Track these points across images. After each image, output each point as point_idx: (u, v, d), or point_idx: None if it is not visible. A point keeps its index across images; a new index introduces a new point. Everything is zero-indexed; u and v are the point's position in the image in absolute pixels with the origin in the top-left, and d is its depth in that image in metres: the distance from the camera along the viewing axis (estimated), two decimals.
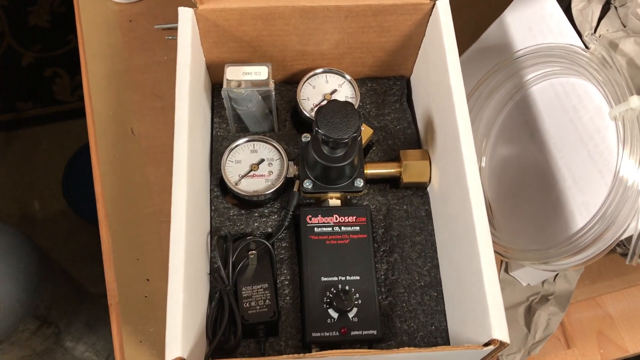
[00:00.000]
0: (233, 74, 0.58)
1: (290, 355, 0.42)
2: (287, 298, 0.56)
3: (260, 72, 0.58)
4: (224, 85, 0.58)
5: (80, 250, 1.60)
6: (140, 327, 0.59)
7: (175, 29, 0.75)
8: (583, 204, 0.56)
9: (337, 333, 0.53)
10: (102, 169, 0.67)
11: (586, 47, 0.57)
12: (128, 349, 0.59)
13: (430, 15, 0.59)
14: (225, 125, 0.63)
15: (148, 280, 0.62)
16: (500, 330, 0.44)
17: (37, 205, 1.67)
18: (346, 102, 0.52)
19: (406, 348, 0.43)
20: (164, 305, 0.59)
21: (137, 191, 0.66)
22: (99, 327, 1.38)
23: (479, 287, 0.46)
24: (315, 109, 0.57)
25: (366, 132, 0.61)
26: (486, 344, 0.44)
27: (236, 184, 0.58)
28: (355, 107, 0.60)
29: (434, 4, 0.58)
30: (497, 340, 0.43)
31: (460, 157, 0.50)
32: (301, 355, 0.43)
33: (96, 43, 0.75)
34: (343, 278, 0.54)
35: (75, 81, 1.87)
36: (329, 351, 0.43)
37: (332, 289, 0.54)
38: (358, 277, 0.55)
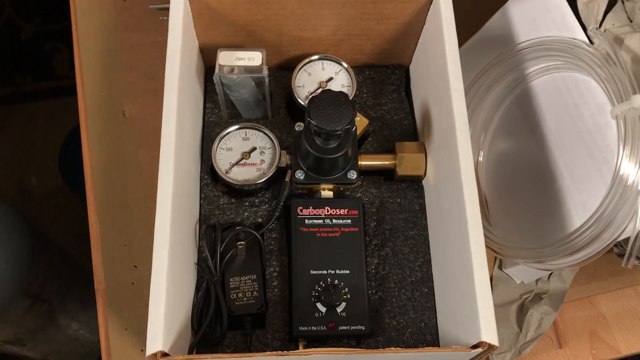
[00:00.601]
0: (226, 58, 0.57)
1: (275, 352, 0.42)
2: (276, 290, 0.55)
3: (254, 58, 0.57)
4: (216, 70, 0.56)
5: (75, 227, 1.59)
6: (126, 314, 0.59)
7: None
8: (580, 203, 0.55)
9: (324, 327, 0.52)
10: (92, 151, 0.66)
11: (590, 41, 0.55)
12: (113, 336, 0.58)
13: (431, 3, 0.57)
14: (218, 111, 0.62)
15: (136, 266, 0.61)
16: (489, 333, 0.43)
17: (34, 181, 1.66)
18: (340, 93, 0.51)
19: (392, 348, 0.42)
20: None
21: (127, 175, 0.65)
22: (93, 305, 1.38)
23: (469, 287, 0.45)
24: (309, 97, 0.55)
25: (362, 122, 0.60)
26: (474, 346, 0.43)
27: (227, 172, 0.57)
28: (351, 97, 0.59)
29: None
30: (486, 343, 0.43)
31: (456, 153, 0.49)
32: (285, 352, 0.42)
33: (90, 22, 0.73)
34: (332, 272, 0.53)
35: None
36: (313, 349, 0.42)
37: (321, 283, 0.53)
38: (348, 272, 0.54)
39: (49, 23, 1.85)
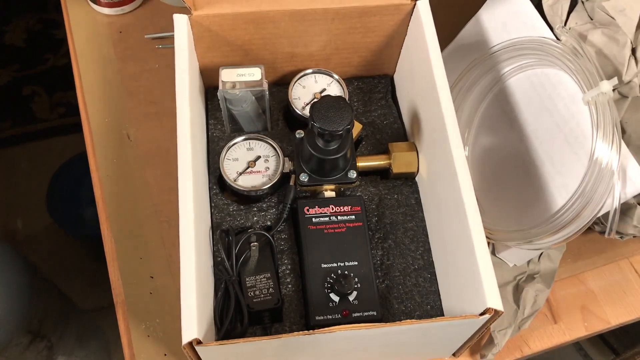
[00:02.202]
0: (228, 75, 0.61)
1: (301, 332, 0.45)
2: (289, 286, 0.59)
3: (253, 74, 0.61)
4: (220, 87, 0.61)
5: (65, 266, 1.60)
6: (147, 322, 0.61)
7: (166, 38, 0.78)
8: (562, 185, 0.60)
9: (339, 315, 0.55)
10: (100, 173, 0.69)
11: (558, 39, 0.61)
12: (137, 344, 0.60)
13: (412, 15, 0.63)
14: (220, 126, 0.66)
15: (152, 277, 0.64)
16: (494, 299, 0.47)
17: (19, 223, 1.67)
18: (339, 97, 0.55)
19: (408, 320, 0.46)
20: (169, 300, 0.62)
21: (136, 193, 0.68)
22: (89, 342, 1.39)
23: (471, 261, 0.49)
24: (310, 104, 0.60)
25: (356, 127, 0.64)
26: (482, 313, 0.47)
27: (235, 180, 0.61)
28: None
29: (415, 4, 0.62)
30: (492, 309, 0.47)
31: (447, 143, 0.54)
32: (311, 331, 0.45)
33: (88, 54, 0.77)
34: (342, 264, 0.57)
35: (54, 99, 1.88)
36: (337, 327, 0.46)
37: (332, 275, 0.57)
38: (356, 263, 0.58)
39: (26, 69, 1.88)
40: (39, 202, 1.59)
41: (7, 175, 1.73)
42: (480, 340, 0.63)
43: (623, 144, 0.56)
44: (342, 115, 0.54)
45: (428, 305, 0.59)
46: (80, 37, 0.79)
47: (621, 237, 0.63)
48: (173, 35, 0.78)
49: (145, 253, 0.65)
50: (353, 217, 0.60)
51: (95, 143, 0.71)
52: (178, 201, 0.66)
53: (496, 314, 0.47)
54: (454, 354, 0.60)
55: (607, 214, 0.58)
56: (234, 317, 0.56)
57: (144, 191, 0.69)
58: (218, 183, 0.63)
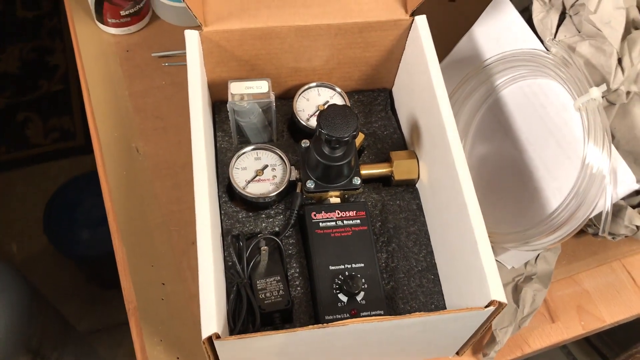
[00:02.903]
0: (237, 88, 0.64)
1: (317, 325, 0.47)
2: (299, 288, 0.61)
3: (261, 86, 0.64)
4: (229, 99, 0.64)
5: (62, 288, 1.61)
6: (159, 327, 0.63)
7: (172, 56, 0.81)
8: (556, 188, 0.63)
9: (347, 315, 0.58)
10: (110, 185, 0.71)
11: (548, 51, 0.65)
12: (149, 349, 0.62)
13: (410, 30, 0.67)
14: (228, 138, 0.69)
15: (163, 284, 0.66)
16: (498, 292, 0.50)
17: (14, 247, 1.67)
18: (345, 105, 0.58)
19: (417, 313, 0.48)
20: (180, 305, 0.64)
21: (145, 204, 0.70)
22: None
23: (475, 258, 0.52)
24: (318, 113, 0.63)
25: (358, 137, 0.67)
26: (487, 306, 0.50)
27: (244, 188, 0.63)
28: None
29: (413, 19, 0.65)
30: (496, 301, 0.49)
31: (449, 148, 0.57)
32: (325, 325, 0.47)
33: (96, 73, 0.80)
34: (349, 266, 0.60)
35: (48, 125, 1.90)
36: (350, 320, 0.48)
37: (340, 276, 0.59)
38: (362, 265, 0.60)
39: (20, 95, 1.90)
40: (35, 225, 1.60)
41: (3, 199, 1.74)
42: (482, 339, 0.65)
43: (613, 147, 0.59)
44: (348, 123, 0.57)
45: (432, 304, 0.61)
46: (88, 57, 0.81)
47: (613, 238, 0.66)
48: (179, 53, 0.82)
49: (155, 261, 0.67)
50: (358, 221, 0.62)
51: (105, 157, 0.73)
52: (186, 211, 0.69)
53: (500, 306, 0.50)
54: (457, 353, 0.62)
55: (600, 215, 0.61)
56: (245, 319, 0.58)
57: (153, 202, 0.71)
58: (227, 192, 0.65)
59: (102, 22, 0.82)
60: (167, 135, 0.76)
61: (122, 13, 0.80)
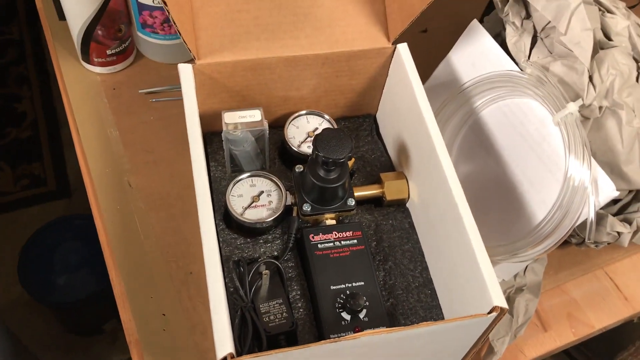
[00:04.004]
0: (230, 118, 0.66)
1: (329, 340, 0.48)
2: (301, 310, 0.62)
3: (254, 115, 0.66)
4: (224, 129, 0.65)
5: (40, 338, 1.57)
6: (162, 358, 0.63)
7: (158, 92, 0.83)
8: (541, 201, 0.66)
9: (351, 332, 0.59)
10: (105, 220, 0.72)
11: (523, 71, 0.69)
12: None
13: (392, 57, 0.70)
14: (221, 167, 0.70)
15: (164, 315, 0.66)
16: (499, 298, 0.52)
17: None
18: (338, 129, 0.61)
19: (424, 323, 0.50)
20: (183, 336, 0.64)
21: (141, 236, 0.71)
22: None
23: (473, 268, 0.54)
24: (308, 139, 0.65)
25: (350, 160, 0.70)
26: (489, 312, 0.52)
27: (241, 214, 0.65)
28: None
29: (395, 47, 0.69)
30: (498, 307, 0.51)
31: (439, 165, 0.60)
32: (336, 339, 0.49)
33: (85, 111, 0.81)
34: (350, 284, 0.61)
35: (17, 172, 1.88)
36: (360, 333, 0.49)
37: (342, 295, 0.60)
38: (363, 283, 0.62)
39: None
40: (10, 274, 1.56)
41: None
42: (480, 352, 0.67)
43: (592, 158, 0.63)
44: (343, 145, 0.59)
45: (432, 318, 0.63)
46: (76, 95, 0.82)
47: (596, 246, 0.70)
48: (165, 89, 0.84)
49: (155, 293, 0.67)
50: (355, 241, 0.64)
51: (98, 192, 0.74)
52: (182, 242, 0.70)
53: (502, 312, 0.52)
54: None
55: (583, 225, 0.64)
56: (251, 343, 0.59)
57: (149, 234, 0.71)
58: (224, 219, 0.67)
59: (88, 62, 0.84)
60: (158, 168, 0.77)
61: (108, 52, 0.82)
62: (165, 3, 0.53)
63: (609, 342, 1.10)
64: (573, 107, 0.62)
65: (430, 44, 0.96)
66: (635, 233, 0.69)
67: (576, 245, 0.73)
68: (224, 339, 0.48)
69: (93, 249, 1.47)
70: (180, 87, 0.64)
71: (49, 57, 1.75)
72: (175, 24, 0.56)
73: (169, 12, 0.54)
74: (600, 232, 0.68)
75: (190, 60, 0.65)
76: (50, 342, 1.58)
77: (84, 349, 1.59)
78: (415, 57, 0.68)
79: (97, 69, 0.84)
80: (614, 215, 0.70)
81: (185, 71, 0.64)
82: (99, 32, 0.79)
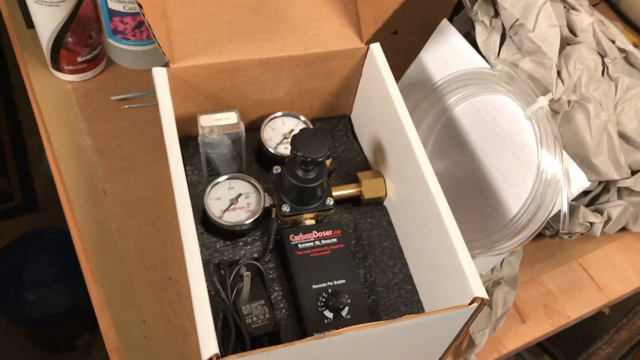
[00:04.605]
0: (206, 121, 0.66)
1: (315, 337, 0.49)
2: (283, 310, 0.62)
3: (230, 117, 0.66)
4: (200, 132, 0.65)
5: (9, 354, 1.53)
6: None
7: (131, 98, 0.83)
8: (515, 195, 0.68)
9: (334, 330, 0.59)
10: (81, 229, 0.71)
11: (493, 68, 0.70)
12: None
13: (366, 57, 0.71)
14: (198, 171, 0.70)
15: (144, 321, 0.65)
16: (479, 290, 0.53)
17: None
18: (316, 128, 0.61)
19: (407, 316, 0.50)
20: (165, 342, 0.64)
21: (118, 244, 0.70)
22: None
23: (453, 260, 0.55)
24: (284, 141, 0.66)
25: (327, 161, 0.70)
26: (470, 303, 0.52)
27: (220, 217, 0.65)
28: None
29: (369, 47, 0.70)
30: (479, 298, 0.52)
31: (417, 162, 0.60)
32: (322, 335, 0.49)
33: (56, 120, 0.80)
34: (331, 283, 0.62)
35: None
36: (345, 328, 0.49)
37: (324, 293, 0.61)
38: (344, 281, 0.62)
39: None
40: None
41: None
42: (461, 345, 0.68)
43: (564, 151, 0.64)
44: (321, 144, 0.60)
45: (413, 313, 0.63)
46: (46, 104, 0.81)
47: (570, 237, 0.71)
48: (138, 95, 0.83)
49: (134, 299, 0.67)
50: (335, 240, 0.64)
51: (72, 200, 0.73)
52: (160, 248, 0.70)
53: (483, 302, 0.52)
54: None
55: (557, 217, 0.65)
56: (235, 346, 0.58)
57: (126, 241, 0.71)
58: (202, 223, 0.66)
59: (58, 70, 0.82)
60: (133, 175, 0.76)
61: (79, 59, 0.81)
62: (140, 6, 0.53)
63: (583, 334, 1.12)
64: (543, 101, 0.63)
65: (401, 46, 0.97)
66: (606, 223, 0.71)
67: (550, 237, 0.74)
68: (208, 340, 0.48)
69: (64, 263, 1.45)
70: (153, 93, 0.64)
71: (12, 67, 1.72)
72: (150, 27, 0.56)
73: (144, 15, 0.54)
74: (573, 223, 0.70)
75: (165, 65, 0.64)
76: (21, 359, 1.54)
77: None
78: (387, 59, 0.69)
79: (68, 77, 0.83)
80: (586, 206, 0.72)
81: (160, 75, 0.64)
82: (69, 39, 0.78)
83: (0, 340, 1.55)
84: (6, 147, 1.92)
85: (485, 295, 0.53)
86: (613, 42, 0.72)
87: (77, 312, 1.42)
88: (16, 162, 1.90)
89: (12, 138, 1.94)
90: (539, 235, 0.67)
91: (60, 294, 1.44)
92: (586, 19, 0.70)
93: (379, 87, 0.68)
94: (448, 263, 0.56)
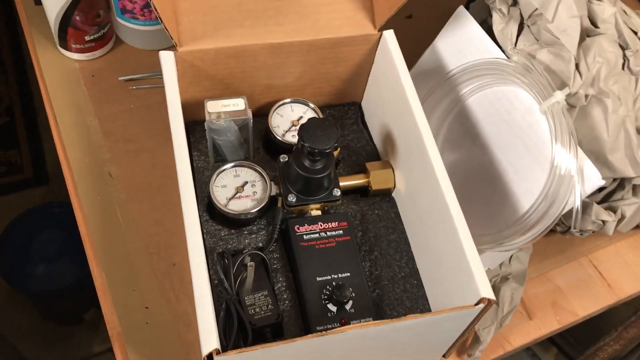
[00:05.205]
0: (213, 107, 0.65)
1: (317, 334, 0.48)
2: (287, 302, 0.61)
3: (237, 104, 0.65)
4: (207, 118, 0.64)
5: (19, 327, 1.55)
6: (146, 351, 0.62)
7: (139, 79, 0.81)
8: (527, 190, 0.66)
9: (337, 324, 0.58)
10: (85, 211, 0.70)
11: (509, 59, 0.68)
12: None
13: (378, 44, 0.69)
14: (204, 157, 0.69)
15: (147, 307, 0.65)
16: (486, 290, 0.51)
17: None
18: (324, 118, 0.60)
19: (411, 315, 0.50)
20: (166, 328, 0.64)
21: (123, 228, 0.70)
22: None
23: (460, 258, 0.54)
24: (294, 129, 0.64)
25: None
26: (477, 303, 0.51)
27: (225, 205, 0.64)
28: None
29: (382, 34, 0.68)
30: (486, 299, 0.51)
31: (426, 154, 0.59)
32: (324, 333, 0.48)
33: (62, 99, 0.79)
34: (336, 276, 0.61)
35: None
36: (348, 326, 0.49)
37: (328, 286, 0.60)
38: (349, 274, 0.61)
39: None
40: None
41: None
42: (466, 341, 0.67)
43: (579, 147, 0.62)
44: (329, 134, 0.58)
45: (418, 309, 0.63)
46: (53, 83, 0.80)
47: (581, 234, 0.70)
48: (146, 76, 0.82)
49: (137, 285, 0.66)
50: (341, 231, 0.63)
51: (77, 183, 0.72)
52: (164, 233, 0.69)
53: (489, 303, 0.51)
54: (443, 356, 0.64)
55: (568, 213, 0.64)
56: (237, 336, 0.58)
57: (131, 225, 0.70)
58: (207, 210, 0.65)
59: (66, 48, 0.81)
60: (139, 158, 0.75)
61: (87, 38, 0.80)
62: None
63: (591, 328, 1.11)
64: (560, 95, 0.61)
65: (416, 30, 0.95)
66: (619, 221, 0.69)
67: (561, 233, 0.73)
68: (209, 334, 0.48)
69: (73, 237, 1.45)
70: (161, 74, 0.62)
71: (24, 42, 1.71)
72: (156, 9, 0.55)
73: None
74: (585, 221, 0.68)
75: (172, 47, 0.63)
76: (29, 331, 1.55)
77: (63, 338, 1.57)
78: (401, 44, 0.67)
79: (76, 56, 0.82)
80: (599, 203, 0.70)
81: (167, 59, 0.63)
82: (77, 17, 0.76)
83: (8, 313, 1.56)
84: (18, 120, 1.92)
85: (492, 296, 0.51)
86: (636, 33, 0.69)
87: (84, 286, 1.43)
88: (27, 135, 1.90)
89: (24, 111, 1.94)
90: (550, 231, 0.65)
91: (67, 268, 1.45)
92: (608, 9, 0.67)
93: (391, 76, 0.66)
94: (455, 261, 0.55)
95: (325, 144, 0.58)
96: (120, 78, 0.81)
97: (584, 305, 0.72)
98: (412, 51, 0.79)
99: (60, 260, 1.47)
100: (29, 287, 1.45)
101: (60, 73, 0.81)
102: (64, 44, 0.81)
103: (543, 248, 0.75)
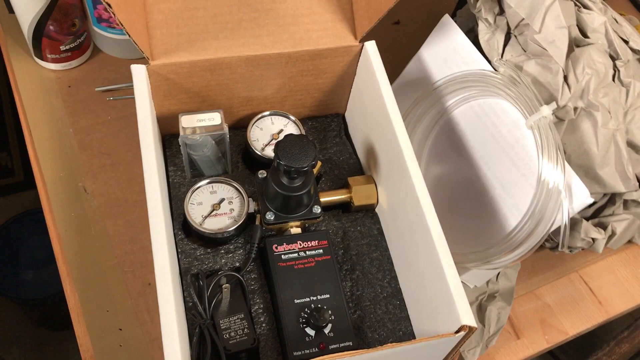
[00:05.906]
0: (188, 121, 0.62)
1: None
2: (264, 325, 0.59)
3: (213, 118, 0.63)
4: (181, 133, 0.62)
5: (7, 333, 1.53)
6: None
7: (116, 90, 0.79)
8: (513, 206, 0.64)
9: (316, 349, 0.56)
10: (59, 228, 0.68)
11: (496, 70, 0.66)
12: None
13: (360, 55, 0.66)
14: (181, 172, 0.67)
15: (121, 329, 0.63)
16: (467, 317, 0.49)
17: None
18: (301, 135, 0.58)
19: (389, 344, 0.47)
20: (140, 351, 0.61)
21: (97, 245, 0.67)
22: None
23: (441, 283, 0.52)
24: (275, 143, 0.62)
25: (316, 165, 0.66)
26: (457, 331, 0.49)
27: (200, 224, 0.61)
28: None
29: (363, 45, 0.65)
30: (467, 326, 0.49)
31: (407, 171, 0.57)
32: None
33: (38, 110, 0.77)
34: (314, 298, 0.58)
35: None
36: (323, 357, 0.46)
37: (306, 309, 0.58)
38: (328, 295, 0.59)
39: None
40: None
41: None
42: None
43: (566, 162, 0.60)
44: (306, 152, 0.56)
45: (400, 331, 0.60)
46: (28, 93, 0.78)
47: (571, 251, 0.68)
48: (124, 87, 0.79)
49: (111, 305, 0.64)
50: (321, 250, 0.61)
51: (51, 198, 0.70)
52: (140, 251, 0.67)
53: (470, 330, 0.49)
54: None
55: (557, 230, 0.62)
56: None
57: (105, 243, 0.68)
58: (182, 228, 0.63)
59: (41, 58, 0.79)
60: (115, 172, 0.73)
61: (62, 48, 0.77)
62: (109, 5, 0.49)
63: (590, 336, 1.09)
64: (547, 110, 0.59)
65: (404, 36, 0.93)
66: (610, 238, 0.67)
67: (550, 249, 0.71)
68: None
69: None
70: None
71: None
72: (122, 24, 0.52)
73: (114, 14, 0.50)
74: (574, 238, 0.66)
75: (144, 60, 0.61)
76: (18, 337, 1.54)
77: (53, 344, 1.56)
78: (388, 50, 0.65)
79: (52, 66, 0.80)
80: (588, 219, 0.68)
81: (139, 72, 0.60)
82: (51, 27, 0.74)
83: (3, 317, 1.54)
84: (7, 121, 1.90)
85: (473, 324, 0.49)
86: (627, 42, 0.67)
87: None
88: (17, 137, 1.88)
89: (14, 113, 1.91)
90: (539, 247, 0.63)
91: (57, 274, 1.43)
92: (598, 19, 0.65)
93: (372, 89, 0.63)
94: (436, 285, 0.53)
95: (302, 162, 0.56)
96: (97, 89, 0.79)
97: (574, 324, 0.70)
98: (400, 57, 0.77)
99: (50, 267, 1.45)
100: (18, 294, 1.43)
101: (35, 83, 0.79)
102: (39, 53, 0.78)
103: (532, 264, 0.73)
